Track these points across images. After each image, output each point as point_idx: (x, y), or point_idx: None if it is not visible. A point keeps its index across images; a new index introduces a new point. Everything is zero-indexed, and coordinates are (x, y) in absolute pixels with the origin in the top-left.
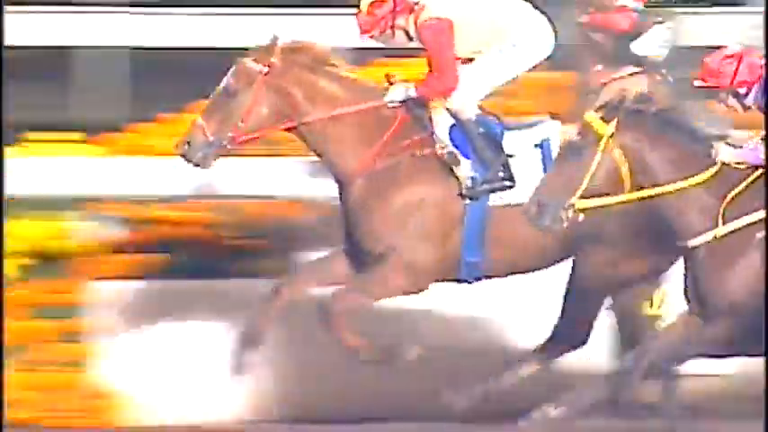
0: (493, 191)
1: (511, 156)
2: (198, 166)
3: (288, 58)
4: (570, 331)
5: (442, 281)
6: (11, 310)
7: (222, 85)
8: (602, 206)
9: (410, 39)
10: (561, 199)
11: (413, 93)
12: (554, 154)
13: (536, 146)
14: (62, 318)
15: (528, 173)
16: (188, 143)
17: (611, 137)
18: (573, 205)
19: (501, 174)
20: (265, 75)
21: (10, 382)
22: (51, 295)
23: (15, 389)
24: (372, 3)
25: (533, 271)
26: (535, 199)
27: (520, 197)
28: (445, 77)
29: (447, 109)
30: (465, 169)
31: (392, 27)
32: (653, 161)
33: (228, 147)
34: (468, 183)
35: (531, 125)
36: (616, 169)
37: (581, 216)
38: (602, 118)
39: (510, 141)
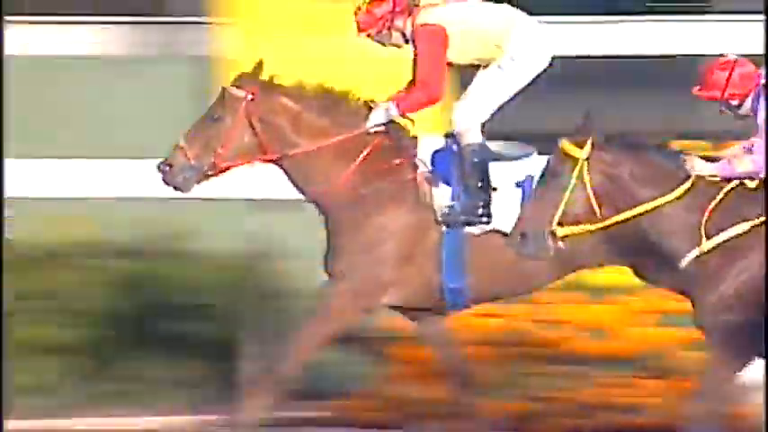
0: (469, 224)
1: (495, 189)
2: (178, 188)
3: (272, 86)
4: None
5: (424, 309)
6: (635, 316)
7: (208, 110)
8: (583, 232)
9: (406, 41)
10: (542, 227)
11: (394, 112)
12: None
13: (518, 184)
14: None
15: (506, 206)
16: (169, 165)
17: (586, 160)
18: (554, 232)
19: (481, 210)
20: (249, 102)
21: (646, 387)
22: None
23: (648, 395)
24: (372, 1)
25: (519, 295)
26: (518, 228)
27: (496, 225)
28: (429, 87)
29: (448, 134)
30: (444, 196)
31: (389, 28)
32: (633, 183)
33: (209, 173)
34: (446, 210)
35: (517, 157)
36: (594, 192)
37: (561, 243)
38: (575, 142)
39: (493, 172)
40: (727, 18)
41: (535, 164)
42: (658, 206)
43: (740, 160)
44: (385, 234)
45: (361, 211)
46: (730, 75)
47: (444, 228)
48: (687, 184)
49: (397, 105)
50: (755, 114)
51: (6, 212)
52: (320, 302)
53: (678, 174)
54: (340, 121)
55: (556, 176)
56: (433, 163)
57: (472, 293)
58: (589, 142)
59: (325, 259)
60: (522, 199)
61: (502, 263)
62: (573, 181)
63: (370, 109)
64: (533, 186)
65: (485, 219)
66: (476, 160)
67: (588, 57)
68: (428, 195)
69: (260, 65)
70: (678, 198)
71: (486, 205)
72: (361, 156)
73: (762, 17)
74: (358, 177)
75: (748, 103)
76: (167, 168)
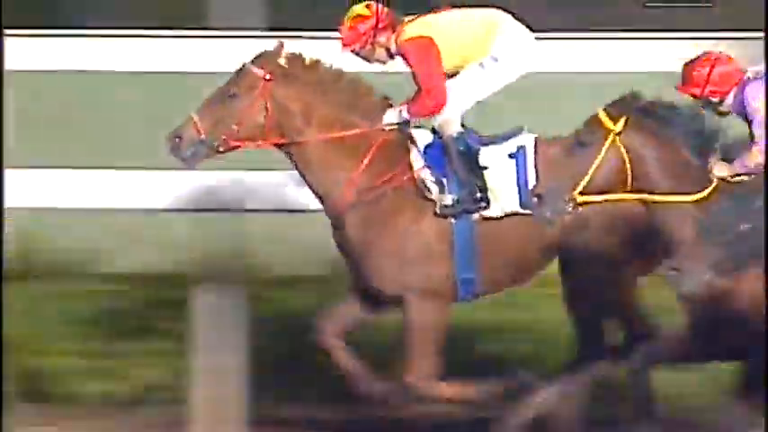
0: (468, 212)
1: (485, 168)
2: (185, 162)
3: (292, 69)
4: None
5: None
6: None
7: (223, 86)
8: (600, 202)
9: (391, 57)
10: (562, 191)
11: (405, 115)
12: (530, 163)
13: (510, 156)
14: None
15: (503, 184)
16: (179, 137)
17: (618, 134)
18: (574, 198)
19: (477, 195)
20: (266, 82)
21: None
22: None
23: None
24: (355, 17)
25: (519, 285)
26: (536, 190)
27: (502, 208)
28: (434, 94)
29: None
30: (439, 189)
31: (373, 43)
32: (655, 170)
33: (220, 149)
34: (444, 202)
35: (506, 138)
36: (619, 167)
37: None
38: (611, 115)
39: (486, 156)
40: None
41: (526, 138)
42: (677, 204)
43: (749, 154)
44: (409, 236)
45: (382, 221)
46: (710, 72)
47: (453, 219)
48: (708, 189)
49: (408, 111)
50: (743, 109)
51: None
52: (408, 332)
53: (701, 174)
54: (353, 115)
55: (585, 144)
56: (425, 157)
57: (481, 284)
58: (624, 118)
59: (356, 271)
60: (517, 169)
61: (508, 251)
62: (603, 152)
63: (386, 107)
64: (529, 165)
65: (483, 204)
66: (461, 149)
67: None
68: (427, 190)
69: (281, 46)
70: (697, 202)
71: (483, 190)
72: (369, 155)
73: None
74: (366, 180)
75: (729, 99)
76: (177, 140)
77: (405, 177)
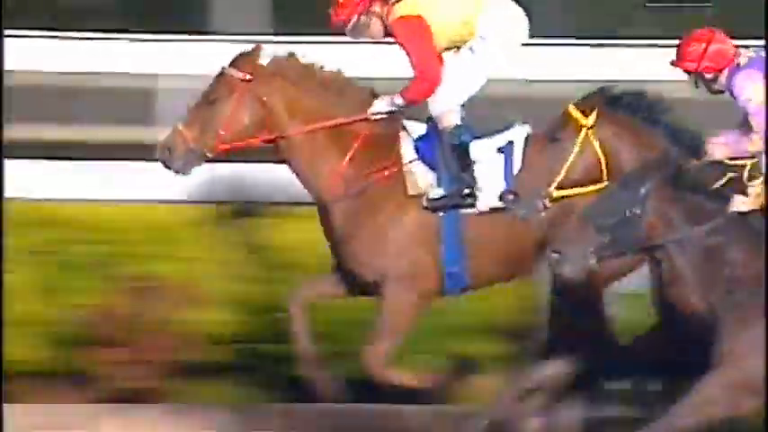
0: (455, 207)
1: (475, 162)
2: (178, 172)
3: (271, 68)
4: None
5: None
6: None
7: (204, 92)
8: (576, 195)
9: (386, 33)
10: (537, 188)
11: (399, 101)
12: (516, 158)
13: (499, 150)
14: None
15: (491, 179)
16: (168, 149)
17: (590, 128)
18: (550, 194)
19: (466, 191)
20: (247, 82)
21: None
22: None
23: None
24: None
25: (513, 278)
26: (512, 187)
27: (487, 204)
28: (428, 75)
29: (429, 118)
30: (429, 182)
31: (368, 13)
32: (629, 160)
33: (209, 155)
34: (432, 195)
35: (499, 131)
36: (594, 161)
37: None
38: (582, 110)
39: (476, 149)
40: None
41: (517, 132)
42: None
43: (750, 141)
44: (394, 227)
45: (367, 211)
46: (707, 48)
47: (441, 213)
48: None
49: (403, 97)
50: (731, 93)
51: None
52: (386, 306)
53: (675, 158)
54: (339, 106)
55: (558, 140)
56: (417, 149)
57: (469, 278)
58: (596, 111)
59: (338, 256)
60: (505, 163)
61: (496, 245)
62: (577, 147)
63: (372, 98)
64: (515, 159)
65: (469, 200)
66: (455, 143)
67: None
68: (416, 183)
69: (258, 47)
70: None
71: (470, 187)
72: (354, 146)
73: None
74: (352, 171)
75: (722, 79)
76: (167, 152)
77: (395, 169)
